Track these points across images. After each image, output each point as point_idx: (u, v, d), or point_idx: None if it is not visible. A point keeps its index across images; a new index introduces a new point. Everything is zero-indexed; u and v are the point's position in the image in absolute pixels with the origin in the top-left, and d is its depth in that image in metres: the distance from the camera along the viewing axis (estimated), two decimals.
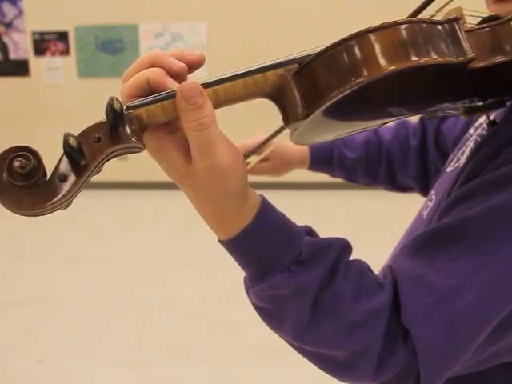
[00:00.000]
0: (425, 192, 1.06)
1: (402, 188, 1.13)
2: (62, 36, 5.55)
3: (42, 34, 5.56)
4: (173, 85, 0.51)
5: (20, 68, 5.65)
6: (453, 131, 1.01)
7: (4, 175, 0.46)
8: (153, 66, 0.52)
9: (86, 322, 3.11)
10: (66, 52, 5.59)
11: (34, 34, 5.57)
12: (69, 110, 5.56)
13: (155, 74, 0.51)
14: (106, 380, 2.62)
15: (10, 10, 5.56)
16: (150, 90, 0.51)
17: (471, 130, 0.82)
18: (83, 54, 5.58)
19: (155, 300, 3.33)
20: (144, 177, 5.12)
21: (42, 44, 5.59)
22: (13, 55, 5.65)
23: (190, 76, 0.54)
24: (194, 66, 0.54)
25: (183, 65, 0.52)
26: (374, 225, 4.37)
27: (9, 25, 5.59)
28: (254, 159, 1.11)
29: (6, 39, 5.63)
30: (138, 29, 5.46)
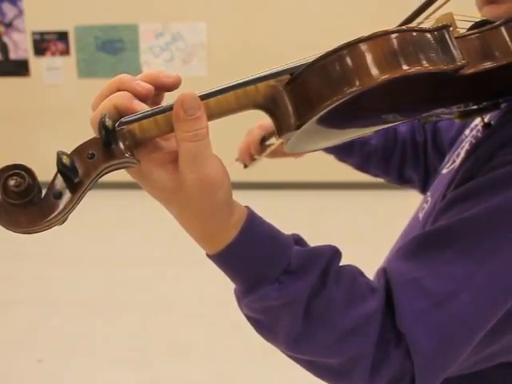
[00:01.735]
0: (423, 190, 1.06)
1: (405, 181, 1.11)
2: (62, 36, 5.56)
3: (42, 34, 5.56)
4: (141, 107, 0.51)
5: (20, 68, 5.65)
6: (450, 130, 1.00)
7: None
8: (119, 90, 0.52)
9: (86, 322, 3.11)
10: (65, 52, 5.59)
11: (34, 33, 5.57)
12: (69, 110, 5.56)
13: (122, 98, 0.51)
14: (106, 380, 2.62)
15: (10, 10, 5.56)
16: (119, 115, 0.51)
17: (466, 131, 0.82)
18: (83, 53, 5.58)
19: (155, 300, 3.33)
20: None
21: (42, 44, 5.60)
22: (13, 55, 5.65)
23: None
24: (168, 88, 0.54)
25: (149, 86, 0.52)
26: (373, 225, 4.37)
27: (9, 25, 5.59)
28: (274, 141, 1.09)
29: (6, 39, 5.63)
30: (137, 29, 5.46)
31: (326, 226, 4.24)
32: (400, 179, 1.10)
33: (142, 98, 0.52)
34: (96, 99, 0.53)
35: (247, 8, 5.32)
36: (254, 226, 0.56)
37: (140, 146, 0.51)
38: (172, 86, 0.54)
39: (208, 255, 0.57)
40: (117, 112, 0.51)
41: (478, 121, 0.76)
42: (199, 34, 5.42)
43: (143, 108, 0.51)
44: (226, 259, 0.56)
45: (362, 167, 1.10)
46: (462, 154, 0.75)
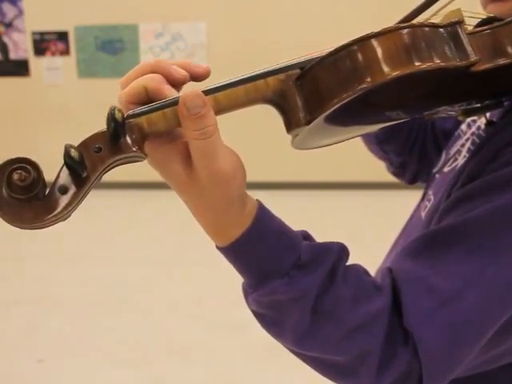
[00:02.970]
0: (412, 180, 1.04)
1: (401, 166, 1.04)
2: (62, 36, 5.55)
3: (41, 34, 5.56)
4: (171, 92, 0.50)
5: (20, 68, 5.65)
6: (445, 120, 0.98)
7: (3, 188, 0.45)
8: (153, 72, 0.51)
9: (86, 322, 3.11)
10: (65, 52, 5.59)
11: (34, 33, 5.57)
12: (69, 110, 5.56)
13: (153, 80, 0.50)
14: (106, 380, 2.62)
15: (10, 10, 5.56)
16: (147, 97, 0.50)
17: (463, 126, 0.81)
18: (83, 53, 5.58)
19: (155, 300, 3.33)
20: (144, 177, 5.13)
21: (42, 44, 5.59)
22: (13, 55, 5.65)
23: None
24: (198, 78, 0.53)
25: (185, 73, 0.52)
26: (373, 225, 4.37)
27: (9, 25, 5.59)
28: None
29: (6, 39, 5.63)
30: (137, 29, 5.46)
31: (326, 225, 4.23)
32: (401, 164, 1.04)
33: (176, 83, 0.51)
34: (127, 77, 0.52)
35: (247, 8, 5.32)
36: (265, 219, 0.56)
37: (156, 136, 0.50)
38: (202, 76, 0.53)
39: (218, 247, 0.57)
40: (145, 94, 0.50)
41: (476, 117, 0.76)
42: (199, 34, 5.42)
43: (173, 93, 0.50)
44: (236, 252, 0.56)
45: (384, 138, 0.99)
46: (464, 152, 0.74)
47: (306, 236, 0.59)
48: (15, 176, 0.45)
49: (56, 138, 5.40)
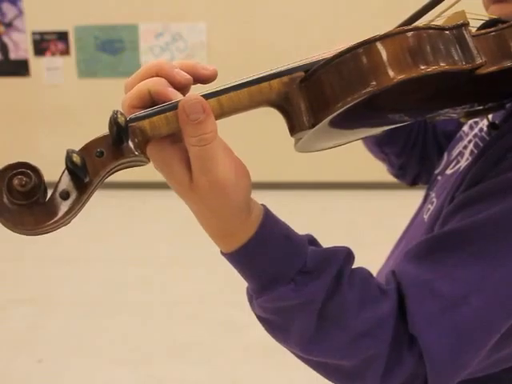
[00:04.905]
0: (412, 182, 1.03)
1: (401, 168, 1.03)
2: (62, 36, 5.55)
3: (41, 34, 5.56)
4: (176, 96, 0.49)
5: (20, 68, 5.64)
6: (447, 122, 0.97)
7: (4, 194, 0.44)
8: (156, 75, 0.50)
9: (86, 322, 3.11)
10: (65, 52, 5.58)
11: (33, 34, 5.57)
12: (69, 110, 5.55)
13: (157, 84, 0.49)
14: (106, 380, 2.61)
15: (9, 10, 5.55)
16: (151, 101, 0.49)
17: (465, 128, 0.81)
18: (83, 53, 5.57)
19: (155, 300, 3.33)
20: (144, 177, 5.13)
21: (42, 44, 5.59)
22: (13, 55, 5.64)
23: None
24: (204, 80, 0.52)
25: (188, 77, 0.51)
26: (374, 225, 4.37)
27: (9, 25, 5.59)
28: None
29: (6, 39, 5.62)
30: (137, 29, 5.46)
31: (326, 226, 4.23)
32: (400, 166, 1.03)
33: (180, 87, 0.51)
34: (131, 80, 0.52)
35: (247, 8, 5.32)
36: (270, 225, 0.55)
37: (149, 143, 0.49)
38: (208, 79, 0.52)
39: (223, 253, 0.57)
40: (149, 97, 0.49)
41: (478, 118, 0.76)
42: (199, 34, 5.42)
43: (178, 97, 0.49)
44: (242, 258, 0.55)
45: (384, 139, 0.97)
46: (467, 154, 0.74)
47: (311, 241, 0.59)
48: (15, 181, 0.44)
49: (56, 138, 5.39)
